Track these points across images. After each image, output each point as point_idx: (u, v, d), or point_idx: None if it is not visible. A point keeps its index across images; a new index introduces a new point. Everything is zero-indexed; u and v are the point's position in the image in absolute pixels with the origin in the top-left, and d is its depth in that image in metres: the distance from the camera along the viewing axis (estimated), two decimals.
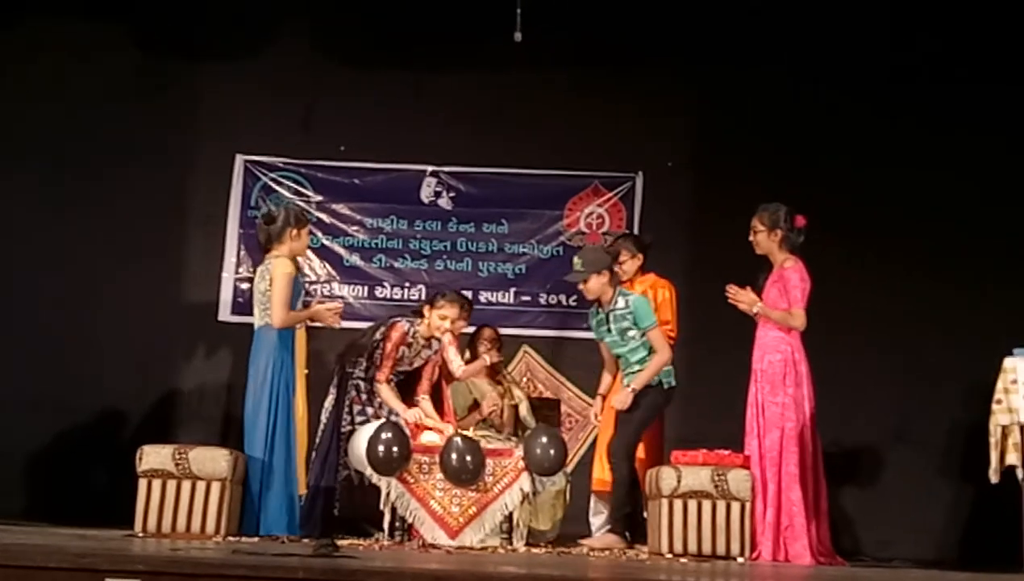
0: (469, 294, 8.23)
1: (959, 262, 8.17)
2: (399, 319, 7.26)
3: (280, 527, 6.62)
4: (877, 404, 8.16)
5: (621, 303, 6.90)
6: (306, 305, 7.12)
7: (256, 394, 6.80)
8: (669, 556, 6.27)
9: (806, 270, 6.63)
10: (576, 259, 6.98)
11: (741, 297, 6.64)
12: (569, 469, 7.30)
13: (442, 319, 7.14)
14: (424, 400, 7.26)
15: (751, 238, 6.77)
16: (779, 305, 6.58)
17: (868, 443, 8.20)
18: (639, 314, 6.86)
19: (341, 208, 8.90)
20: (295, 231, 6.98)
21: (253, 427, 6.76)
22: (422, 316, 7.23)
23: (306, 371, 6.98)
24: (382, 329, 7.24)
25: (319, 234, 8.77)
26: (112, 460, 7.99)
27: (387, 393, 7.14)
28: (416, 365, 7.30)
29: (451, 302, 7.19)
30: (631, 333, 6.87)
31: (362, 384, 7.21)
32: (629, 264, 7.28)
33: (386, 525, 6.57)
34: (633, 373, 6.89)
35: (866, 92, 8.39)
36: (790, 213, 6.69)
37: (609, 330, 6.94)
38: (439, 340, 7.23)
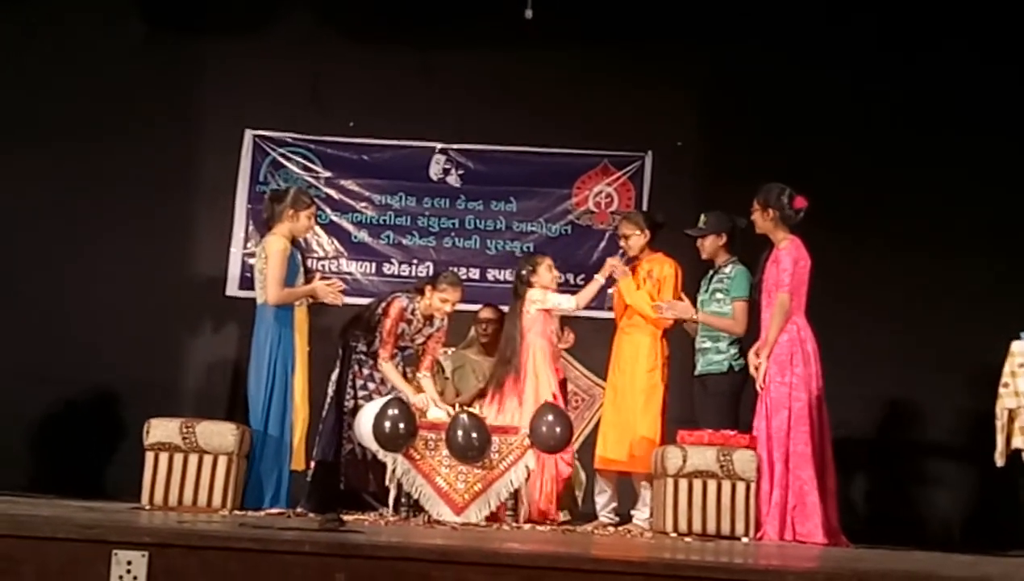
0: (477, 272, 8.24)
1: (967, 245, 8.16)
2: (398, 295, 7.26)
3: (268, 500, 6.65)
4: (883, 386, 8.16)
5: (728, 269, 7.07)
6: (310, 282, 7.12)
7: (255, 370, 6.85)
8: (673, 535, 6.28)
9: (803, 249, 6.61)
10: (701, 217, 7.15)
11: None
12: (575, 447, 7.32)
13: (443, 302, 7.15)
14: (425, 378, 7.27)
15: (750, 218, 6.80)
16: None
17: (874, 425, 8.21)
18: (736, 282, 6.99)
19: (350, 184, 8.91)
20: (291, 212, 6.97)
21: (253, 402, 6.81)
22: (422, 293, 7.23)
23: (308, 348, 6.97)
24: (382, 304, 7.24)
25: (327, 210, 8.78)
26: (119, 433, 8.03)
27: (392, 372, 7.14)
28: (417, 342, 7.31)
29: (453, 286, 7.19)
30: (719, 295, 7.02)
31: (364, 359, 7.22)
32: (635, 240, 7.28)
33: (391, 501, 6.60)
34: (705, 347, 6.99)
35: (876, 72, 8.37)
36: (788, 193, 6.66)
37: (707, 289, 7.11)
38: (441, 319, 7.25)
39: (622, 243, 7.35)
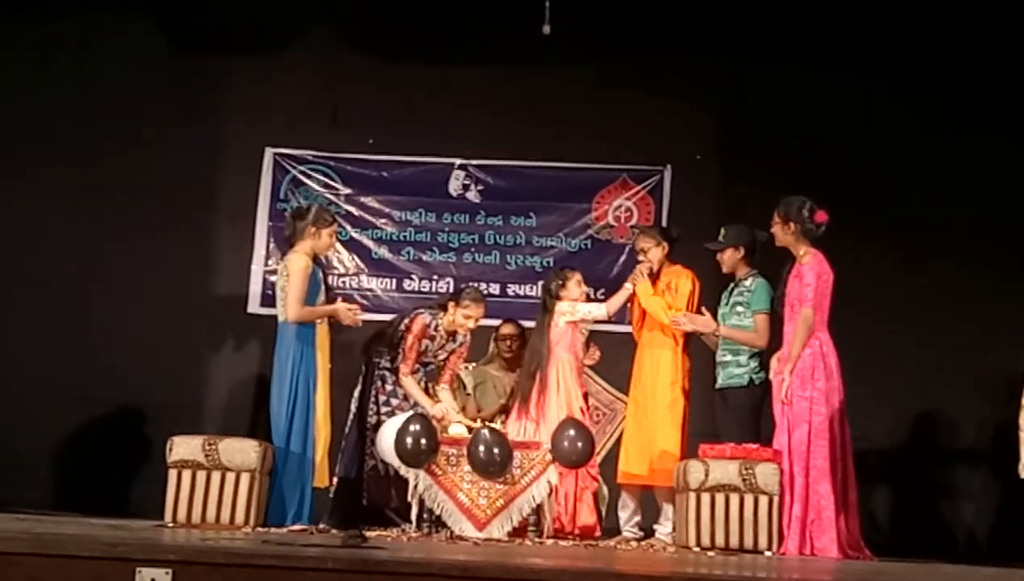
0: (497, 287, 8.23)
1: (989, 255, 8.14)
2: (421, 311, 7.28)
3: (291, 517, 6.67)
4: (906, 398, 8.13)
5: (748, 282, 7.07)
6: (331, 300, 7.15)
7: (277, 387, 6.87)
8: (696, 549, 6.27)
9: (825, 263, 6.59)
10: (721, 230, 7.16)
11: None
12: (597, 462, 7.31)
13: (466, 318, 7.16)
14: (443, 391, 7.28)
15: (771, 230, 6.80)
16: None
17: (897, 437, 8.18)
18: (756, 295, 6.99)
19: (370, 201, 8.93)
20: (313, 229, 7.01)
21: (275, 419, 6.84)
22: (445, 309, 7.25)
23: (329, 365, 7.00)
24: (405, 321, 7.26)
25: (348, 227, 8.79)
26: (141, 451, 8.06)
27: (412, 386, 7.15)
28: (440, 358, 7.32)
29: (476, 302, 7.20)
30: (740, 308, 7.02)
31: (387, 375, 7.22)
32: (654, 253, 7.28)
33: (414, 517, 6.60)
34: (726, 360, 6.97)
35: (894, 85, 8.36)
36: (810, 207, 6.64)
37: (728, 302, 7.10)
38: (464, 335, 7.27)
39: (641, 257, 7.34)
